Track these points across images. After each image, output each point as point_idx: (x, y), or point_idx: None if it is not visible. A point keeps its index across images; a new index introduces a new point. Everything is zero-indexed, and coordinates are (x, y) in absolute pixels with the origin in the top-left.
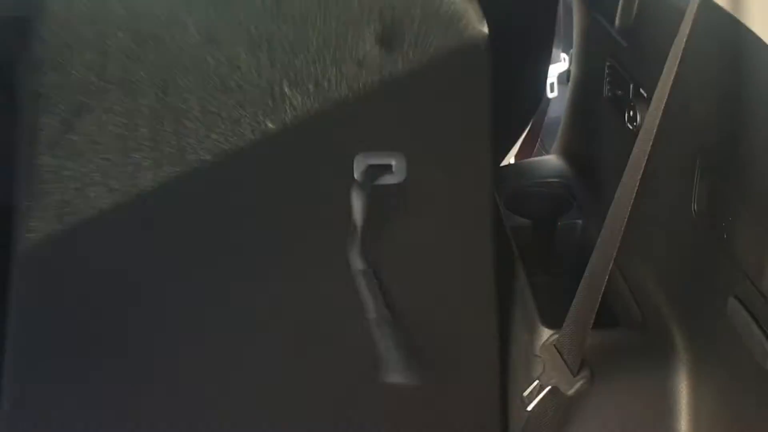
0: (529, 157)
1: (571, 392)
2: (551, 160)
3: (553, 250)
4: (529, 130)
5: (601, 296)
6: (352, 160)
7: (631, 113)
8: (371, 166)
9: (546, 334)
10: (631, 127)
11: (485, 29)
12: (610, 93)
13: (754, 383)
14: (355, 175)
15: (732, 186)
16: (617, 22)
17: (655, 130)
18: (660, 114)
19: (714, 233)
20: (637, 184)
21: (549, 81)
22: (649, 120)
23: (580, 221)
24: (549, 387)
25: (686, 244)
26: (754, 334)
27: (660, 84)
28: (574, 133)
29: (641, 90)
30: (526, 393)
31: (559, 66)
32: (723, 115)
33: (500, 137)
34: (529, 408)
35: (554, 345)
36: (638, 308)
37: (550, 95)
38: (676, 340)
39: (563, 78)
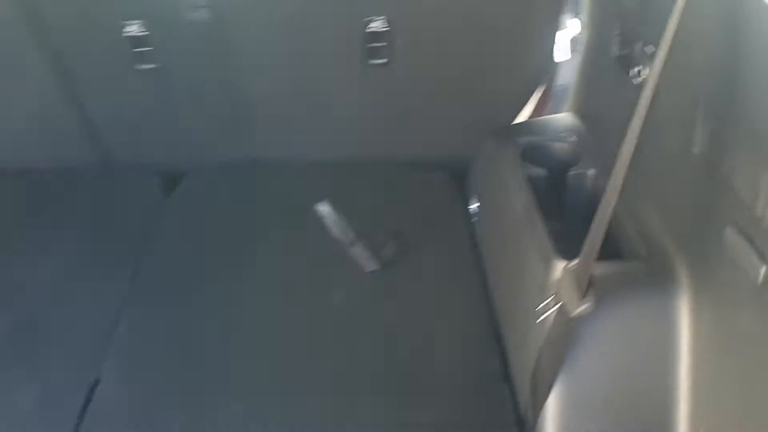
0: None
1: (575, 314)
2: (565, 117)
3: (565, 197)
4: (537, 94)
5: (606, 229)
6: None
7: (638, 69)
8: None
9: (559, 264)
10: (637, 82)
11: None
12: (619, 53)
13: (748, 300)
14: None
15: (731, 128)
16: None
17: (657, 78)
18: (662, 63)
19: (713, 170)
20: (642, 128)
21: (559, 45)
22: (653, 69)
23: (591, 170)
24: (560, 304)
25: (687, 181)
26: (748, 254)
27: (664, 36)
28: (586, 92)
29: (647, 47)
30: (538, 308)
31: (568, 30)
32: (723, 64)
33: (510, 100)
34: (539, 320)
35: (572, 270)
36: (643, 243)
37: (559, 59)
38: (678, 269)
39: (573, 42)
